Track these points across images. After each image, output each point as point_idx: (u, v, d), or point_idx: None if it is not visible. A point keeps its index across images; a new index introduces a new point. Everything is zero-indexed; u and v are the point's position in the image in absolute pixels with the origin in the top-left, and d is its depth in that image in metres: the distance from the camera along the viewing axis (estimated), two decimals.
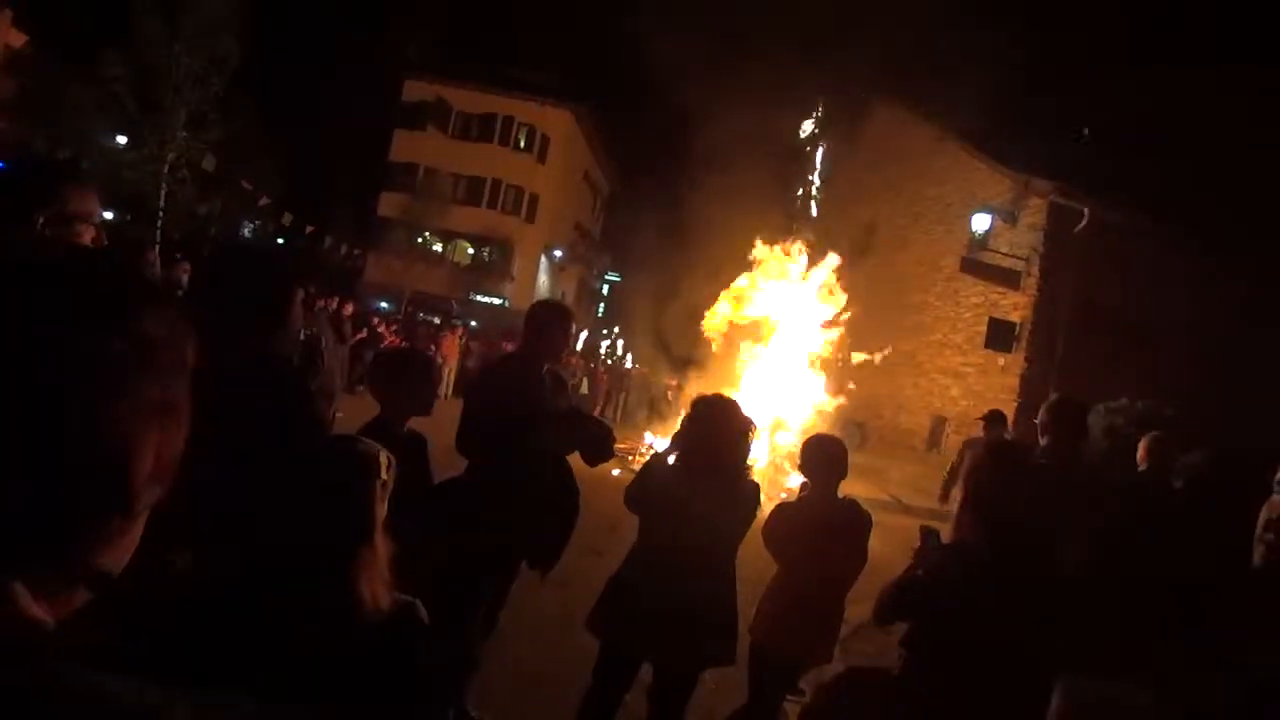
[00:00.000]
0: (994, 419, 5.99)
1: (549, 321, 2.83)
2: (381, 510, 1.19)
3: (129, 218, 16.96)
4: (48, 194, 1.69)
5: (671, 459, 2.38)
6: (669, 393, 15.99)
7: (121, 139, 17.11)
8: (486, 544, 2.51)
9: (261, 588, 1.07)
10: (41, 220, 1.69)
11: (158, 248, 10.34)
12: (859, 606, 3.01)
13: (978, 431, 7.42)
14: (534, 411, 2.60)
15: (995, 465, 1.80)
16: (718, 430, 2.27)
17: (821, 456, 2.68)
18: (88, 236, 1.87)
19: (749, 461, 2.46)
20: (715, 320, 11.40)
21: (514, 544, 2.66)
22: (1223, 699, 0.79)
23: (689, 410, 2.41)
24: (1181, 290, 10.45)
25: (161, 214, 16.75)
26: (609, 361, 26.78)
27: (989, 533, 1.69)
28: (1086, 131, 13.51)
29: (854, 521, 2.63)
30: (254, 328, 1.44)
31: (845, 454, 2.68)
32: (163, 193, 16.80)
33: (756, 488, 2.40)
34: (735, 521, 2.28)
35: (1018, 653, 1.52)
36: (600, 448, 2.72)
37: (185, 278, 4.78)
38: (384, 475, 1.20)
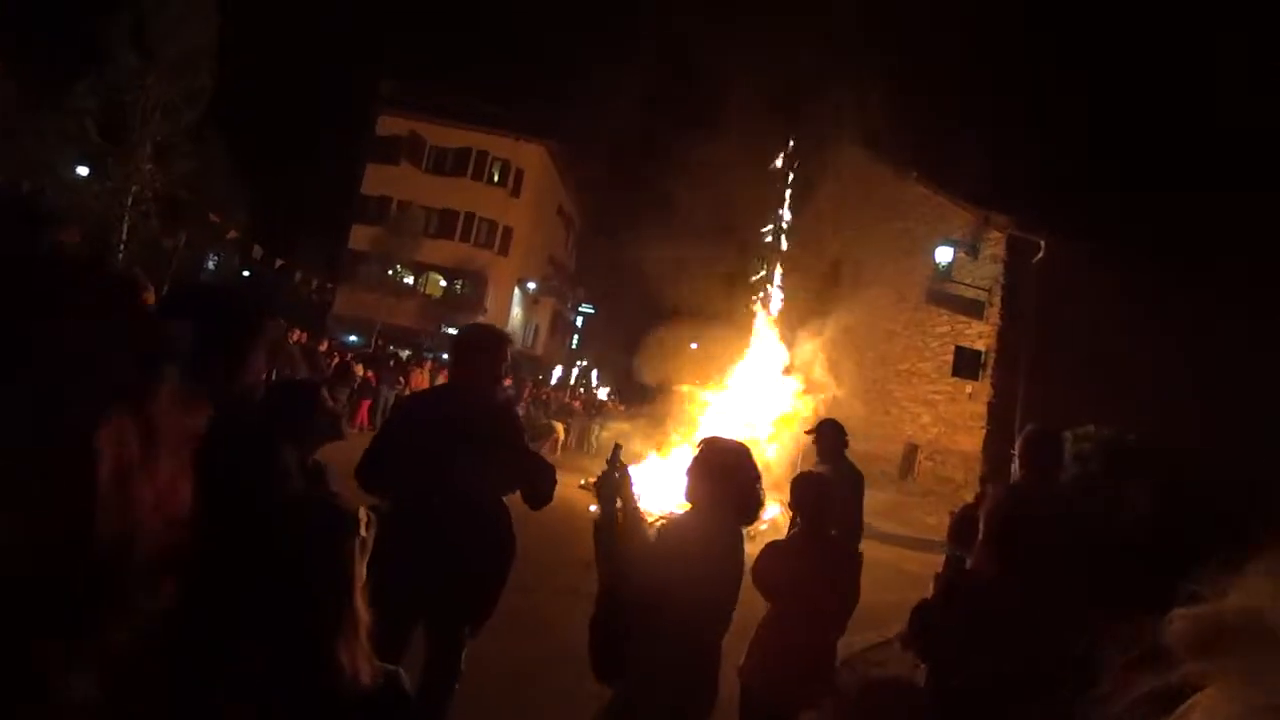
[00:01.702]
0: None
1: (477, 348, 2.60)
2: (361, 571, 1.10)
3: (89, 249, 16.53)
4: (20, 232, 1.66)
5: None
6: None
7: (84, 170, 16.78)
8: (386, 590, 2.29)
9: (232, 659, 0.99)
10: None
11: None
12: (848, 636, 2.99)
13: (950, 458, 7.58)
14: (448, 445, 2.33)
15: (1013, 507, 2.00)
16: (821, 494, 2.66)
17: (812, 494, 2.64)
18: None
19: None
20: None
21: (420, 591, 2.28)
22: None
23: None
24: (1139, 316, 10.87)
25: (123, 246, 16.36)
26: (581, 393, 26.67)
27: (1006, 565, 1.87)
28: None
29: (845, 560, 2.61)
30: (209, 373, 1.28)
31: (835, 491, 2.70)
32: (125, 225, 16.43)
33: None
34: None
35: (1032, 673, 1.58)
36: (538, 488, 2.49)
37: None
38: (363, 532, 1.11)
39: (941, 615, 2.00)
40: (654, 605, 1.87)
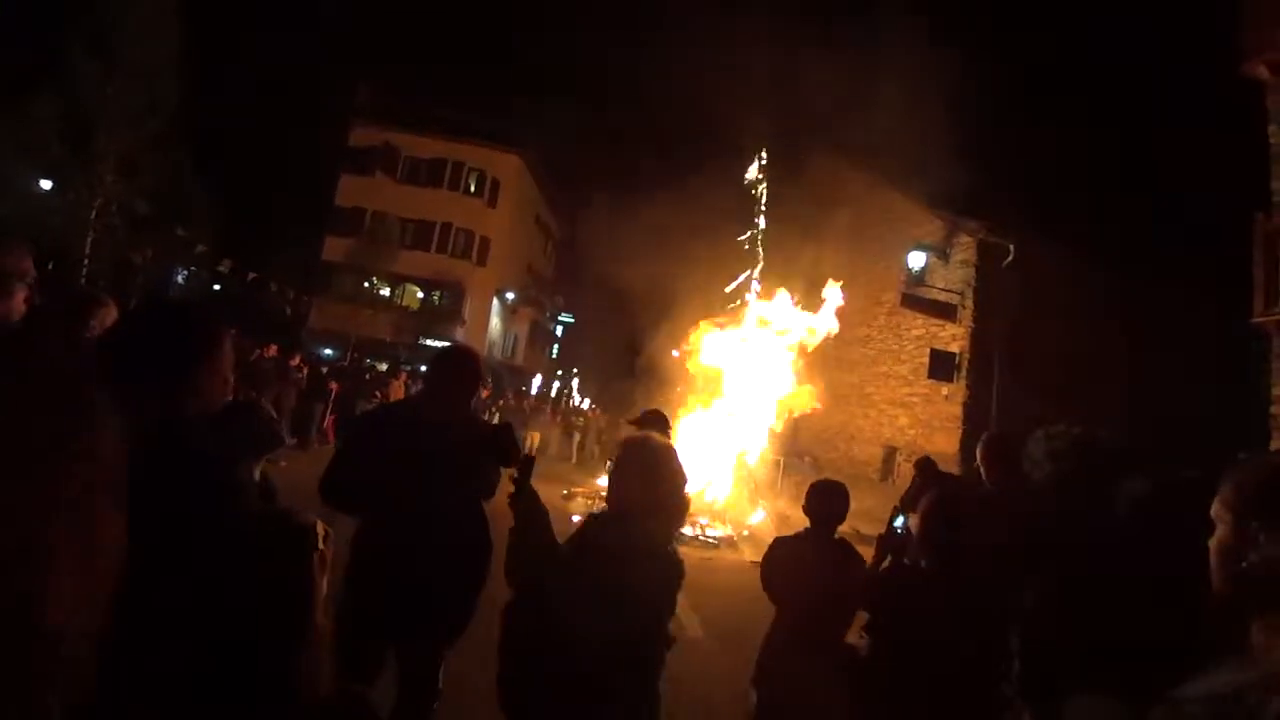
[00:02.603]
0: (923, 466, 6.53)
1: (449, 365, 2.59)
2: (321, 586, 1.10)
3: (50, 266, 16.05)
4: None
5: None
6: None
7: (46, 183, 16.30)
8: (357, 609, 2.25)
9: (191, 677, 0.97)
10: None
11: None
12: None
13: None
14: (417, 458, 2.28)
15: (939, 506, 2.23)
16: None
17: (822, 500, 2.76)
18: (20, 296, 1.76)
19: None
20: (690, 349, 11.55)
21: (392, 608, 2.27)
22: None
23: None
24: (1107, 314, 11.18)
25: (87, 262, 15.92)
26: (563, 403, 26.55)
27: (934, 556, 2.16)
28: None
29: (849, 561, 2.67)
30: (155, 390, 1.22)
31: (847, 498, 2.78)
32: (89, 240, 15.99)
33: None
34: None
35: (958, 651, 1.95)
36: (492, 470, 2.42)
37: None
38: (321, 546, 1.11)
39: (879, 599, 2.25)
40: (569, 626, 1.64)
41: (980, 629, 2.04)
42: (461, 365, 2.61)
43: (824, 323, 10.93)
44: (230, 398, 1.41)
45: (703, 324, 11.78)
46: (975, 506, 2.57)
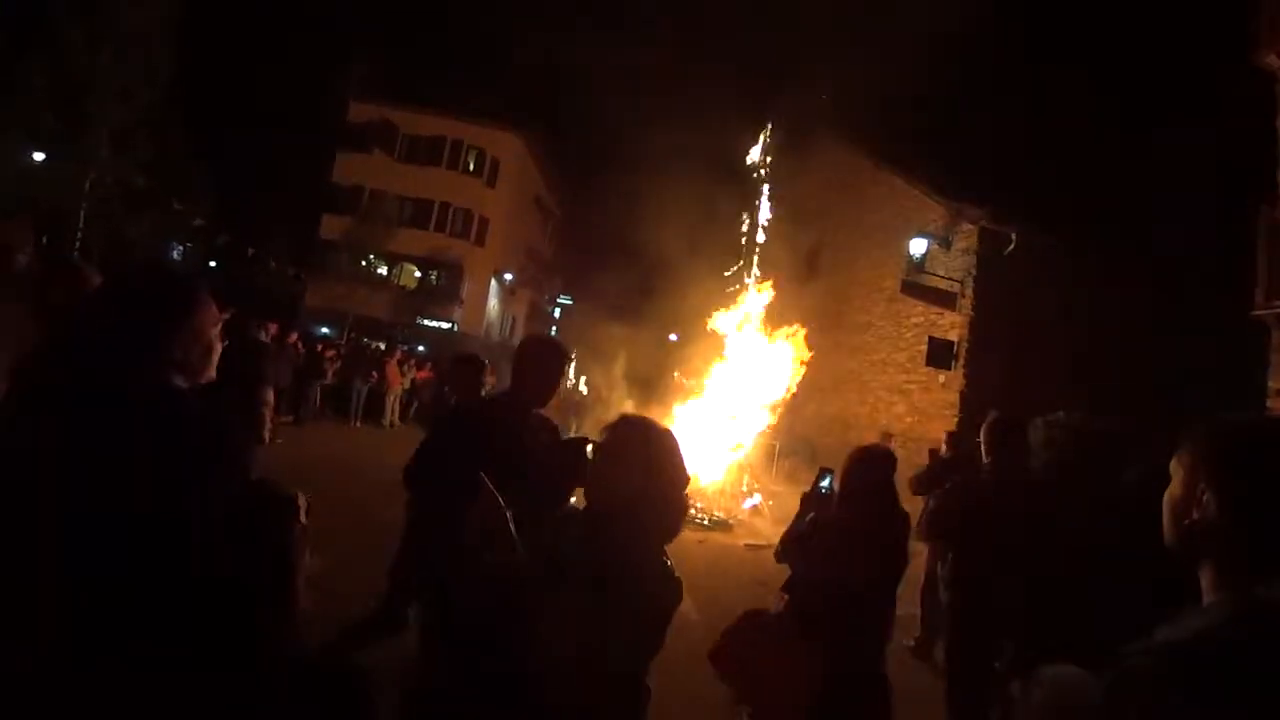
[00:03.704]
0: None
1: (541, 360, 2.45)
2: (302, 557, 1.12)
3: (45, 240, 15.90)
4: None
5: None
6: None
7: (39, 155, 16.09)
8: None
9: (179, 638, 0.98)
10: None
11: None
12: None
13: (924, 447, 7.75)
14: (498, 460, 2.09)
15: (854, 464, 2.55)
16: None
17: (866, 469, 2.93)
18: (21, 265, 1.75)
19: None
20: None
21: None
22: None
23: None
24: (1106, 305, 11.16)
25: (80, 235, 15.77)
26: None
27: (848, 507, 2.46)
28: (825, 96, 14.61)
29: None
30: (128, 350, 1.16)
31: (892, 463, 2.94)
32: (82, 213, 15.83)
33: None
34: None
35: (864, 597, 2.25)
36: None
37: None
38: (303, 519, 1.14)
39: (805, 543, 2.48)
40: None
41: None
42: (547, 359, 2.45)
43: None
44: (214, 374, 1.35)
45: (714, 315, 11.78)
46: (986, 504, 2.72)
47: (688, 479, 1.54)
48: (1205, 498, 0.90)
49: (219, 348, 1.32)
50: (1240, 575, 0.86)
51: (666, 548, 1.48)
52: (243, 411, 2.19)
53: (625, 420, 1.60)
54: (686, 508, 1.56)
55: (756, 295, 11.95)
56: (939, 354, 11.89)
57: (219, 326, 1.34)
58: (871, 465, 2.55)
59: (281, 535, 1.08)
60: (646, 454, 1.47)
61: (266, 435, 2.43)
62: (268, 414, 2.37)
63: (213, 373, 1.33)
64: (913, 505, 3.48)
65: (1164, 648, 0.81)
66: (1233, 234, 8.23)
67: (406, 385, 15.16)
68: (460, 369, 4.17)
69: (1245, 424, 0.99)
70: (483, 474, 1.63)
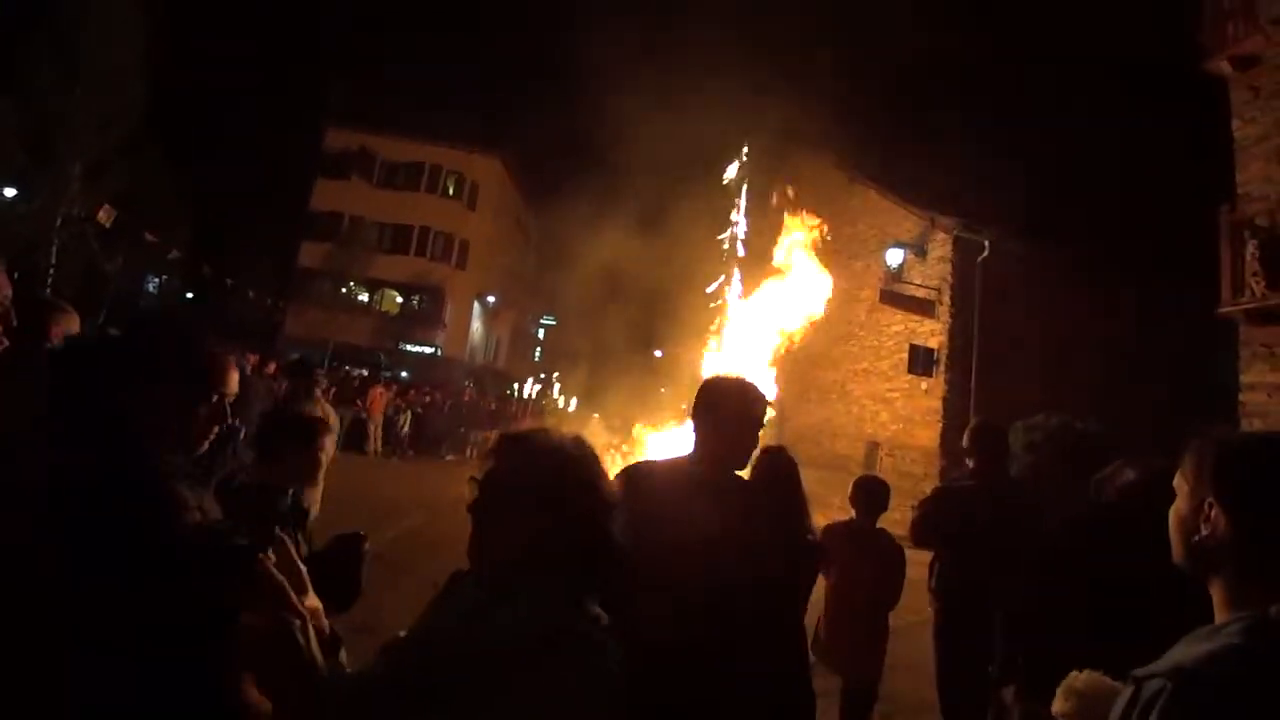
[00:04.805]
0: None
1: (732, 405, 1.82)
2: (249, 607, 1.03)
3: (15, 276, 15.57)
4: None
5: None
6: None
7: (10, 191, 15.84)
8: None
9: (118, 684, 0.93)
10: None
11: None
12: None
13: (909, 454, 7.78)
14: (706, 556, 1.54)
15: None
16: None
17: (866, 494, 3.27)
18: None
19: None
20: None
21: None
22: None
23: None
24: (1082, 306, 11.39)
25: (53, 271, 15.50)
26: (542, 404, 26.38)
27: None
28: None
29: (891, 549, 3.18)
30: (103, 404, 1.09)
31: (888, 493, 3.30)
32: (54, 248, 15.57)
33: None
34: None
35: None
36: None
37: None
38: (257, 570, 1.04)
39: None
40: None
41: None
42: (738, 404, 1.84)
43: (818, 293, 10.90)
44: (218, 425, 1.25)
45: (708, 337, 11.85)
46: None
47: (610, 506, 1.08)
48: (1213, 514, 0.89)
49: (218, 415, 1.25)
50: (1253, 594, 0.84)
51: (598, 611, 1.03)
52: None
53: (510, 439, 1.12)
54: (616, 548, 1.08)
55: (737, 308, 12.02)
56: (920, 361, 12.03)
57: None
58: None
59: (225, 584, 0.98)
60: (546, 483, 1.04)
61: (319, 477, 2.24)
62: (324, 458, 2.28)
63: (204, 445, 1.24)
64: (902, 512, 3.52)
65: (1179, 671, 0.79)
66: (1198, 234, 8.47)
67: (389, 413, 15.02)
68: (293, 378, 3.79)
69: (1252, 440, 0.98)
70: (285, 494, 1.53)
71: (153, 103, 16.15)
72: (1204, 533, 0.90)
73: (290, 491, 2.04)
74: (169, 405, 1.18)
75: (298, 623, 0.86)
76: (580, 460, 1.09)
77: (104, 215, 14.78)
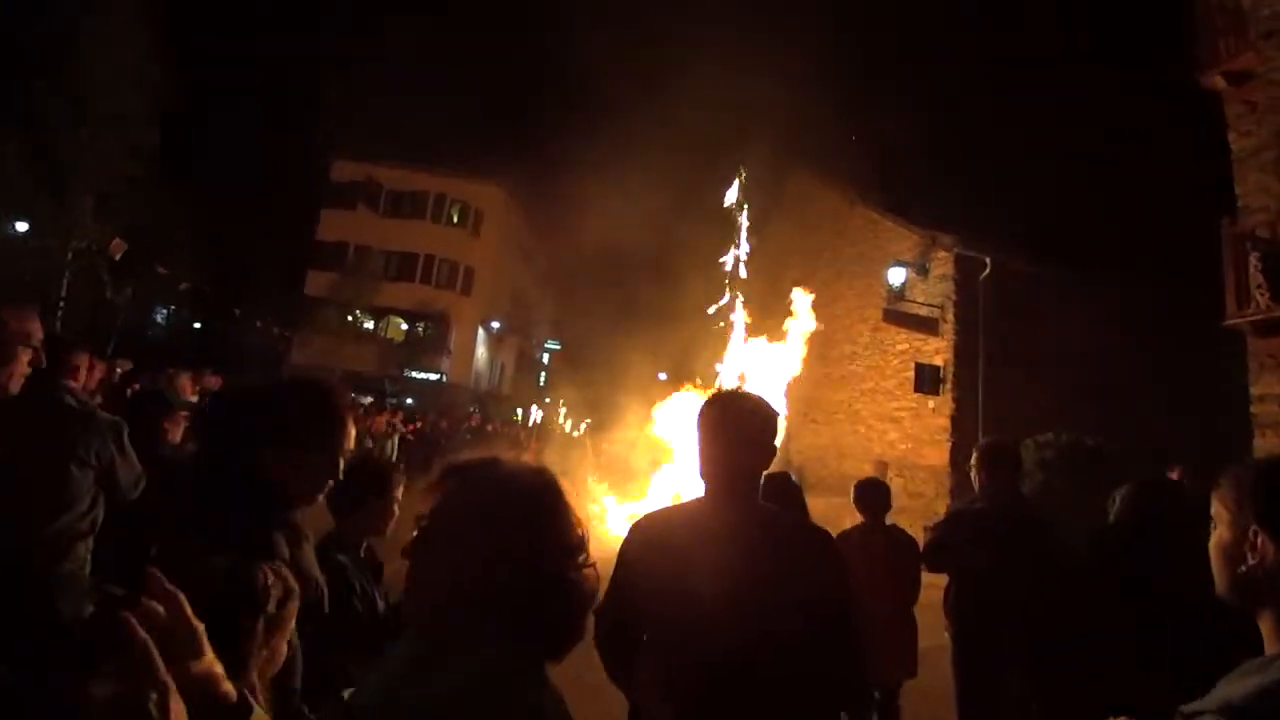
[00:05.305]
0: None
1: (740, 423, 1.62)
2: (256, 646, 1.03)
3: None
4: None
5: None
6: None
7: (22, 225, 16.11)
8: None
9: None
10: None
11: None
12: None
13: (919, 473, 7.70)
14: (729, 614, 1.40)
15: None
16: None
17: (869, 494, 3.35)
18: (24, 360, 1.69)
19: None
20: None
21: None
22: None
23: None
24: (1084, 320, 11.36)
25: (63, 303, 15.68)
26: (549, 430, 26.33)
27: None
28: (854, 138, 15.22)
29: (906, 542, 3.27)
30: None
31: (888, 490, 3.43)
32: (65, 281, 15.78)
33: None
34: None
35: None
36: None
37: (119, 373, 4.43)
38: (271, 609, 1.05)
39: None
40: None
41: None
42: (747, 422, 1.62)
43: (801, 328, 10.98)
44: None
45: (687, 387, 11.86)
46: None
47: (565, 545, 0.93)
48: (1260, 542, 0.86)
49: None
50: None
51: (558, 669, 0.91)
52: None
53: (452, 468, 1.00)
54: (585, 594, 0.94)
55: (741, 332, 12.05)
56: (926, 379, 11.98)
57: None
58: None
59: (236, 621, 0.99)
60: (486, 515, 0.92)
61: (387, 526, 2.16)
62: (396, 509, 2.24)
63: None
64: (914, 532, 3.52)
65: (1229, 708, 0.77)
66: (1202, 243, 8.48)
67: (377, 439, 15.02)
68: (141, 411, 3.20)
69: None
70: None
71: (162, 137, 16.49)
72: (1251, 562, 0.87)
73: (364, 544, 2.04)
74: (305, 463, 1.27)
75: (153, 695, 0.70)
76: (532, 492, 0.95)
77: (115, 248, 15.00)
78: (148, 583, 0.79)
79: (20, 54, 15.12)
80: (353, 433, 1.37)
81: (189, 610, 0.80)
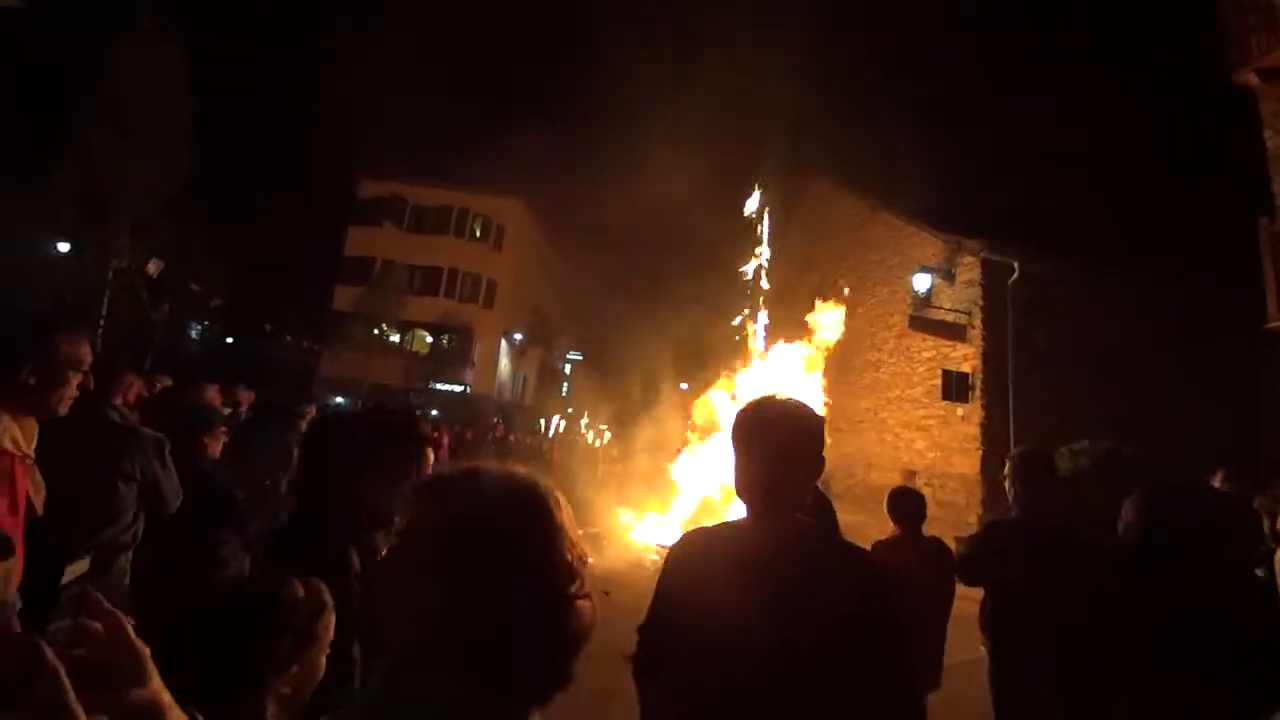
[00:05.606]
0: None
1: (781, 431, 1.45)
2: (280, 662, 1.09)
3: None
4: (38, 344, 1.61)
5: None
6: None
7: (64, 246, 16.76)
8: None
9: None
10: (28, 370, 1.61)
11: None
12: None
13: (949, 482, 7.55)
14: (770, 643, 1.28)
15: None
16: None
17: (901, 503, 3.30)
18: (75, 383, 1.76)
19: None
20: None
21: None
22: None
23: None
24: (1118, 322, 11.08)
25: (103, 322, 16.24)
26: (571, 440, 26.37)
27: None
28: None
29: (940, 553, 3.18)
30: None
31: (922, 499, 3.33)
32: (105, 299, 16.36)
33: None
34: None
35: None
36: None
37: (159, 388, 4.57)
38: (300, 625, 1.11)
39: None
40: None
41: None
42: (789, 431, 1.46)
43: (825, 336, 10.90)
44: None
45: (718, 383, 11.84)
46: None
47: (551, 573, 0.81)
48: None
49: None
50: None
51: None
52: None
53: (425, 483, 0.88)
54: (574, 632, 0.81)
55: (763, 340, 11.97)
56: (954, 387, 11.77)
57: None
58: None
59: (261, 633, 1.07)
60: (456, 535, 0.79)
61: None
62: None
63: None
64: (946, 541, 3.44)
65: None
66: (1242, 243, 8.23)
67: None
68: (181, 426, 2.95)
69: None
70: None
71: (198, 161, 17.09)
72: None
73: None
74: (396, 492, 1.36)
75: None
76: (513, 513, 0.81)
77: (153, 267, 15.51)
78: (85, 603, 0.72)
79: (64, 88, 15.81)
80: (432, 460, 1.48)
81: (131, 634, 0.73)
